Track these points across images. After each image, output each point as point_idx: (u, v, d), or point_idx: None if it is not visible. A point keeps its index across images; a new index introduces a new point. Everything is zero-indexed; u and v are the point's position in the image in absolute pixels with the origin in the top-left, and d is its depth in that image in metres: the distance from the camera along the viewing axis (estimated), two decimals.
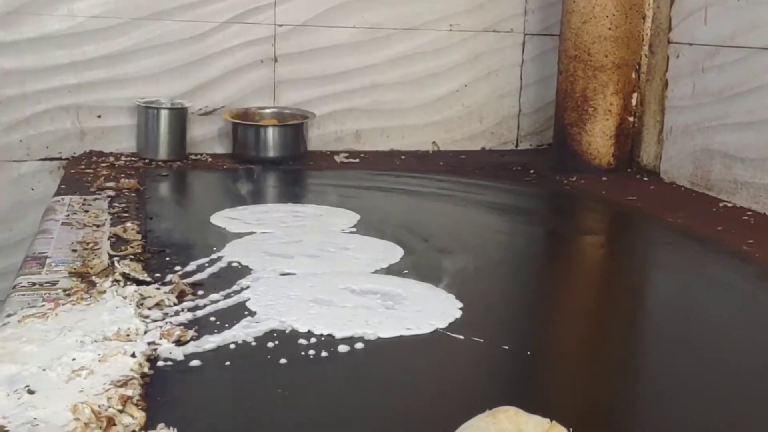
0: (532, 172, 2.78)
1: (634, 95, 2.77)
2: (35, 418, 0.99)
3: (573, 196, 2.52)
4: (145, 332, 1.27)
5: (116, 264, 1.51)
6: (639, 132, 2.81)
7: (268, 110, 2.90)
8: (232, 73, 2.91)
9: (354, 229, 1.96)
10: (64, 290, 1.41)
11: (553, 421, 0.92)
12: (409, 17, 3.04)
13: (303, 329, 1.32)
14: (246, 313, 1.39)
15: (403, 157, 2.97)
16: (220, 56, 2.88)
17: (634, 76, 2.75)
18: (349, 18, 2.98)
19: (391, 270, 1.64)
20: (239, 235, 1.86)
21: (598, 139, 2.76)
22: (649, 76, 2.76)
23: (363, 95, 3.04)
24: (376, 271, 1.62)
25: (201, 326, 1.32)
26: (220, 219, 2.01)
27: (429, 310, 1.42)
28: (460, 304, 1.46)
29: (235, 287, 1.51)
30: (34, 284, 1.43)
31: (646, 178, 2.71)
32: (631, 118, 2.78)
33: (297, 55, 2.95)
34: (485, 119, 3.19)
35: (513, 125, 3.22)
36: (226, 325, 1.33)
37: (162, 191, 2.44)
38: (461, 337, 1.33)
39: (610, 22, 2.69)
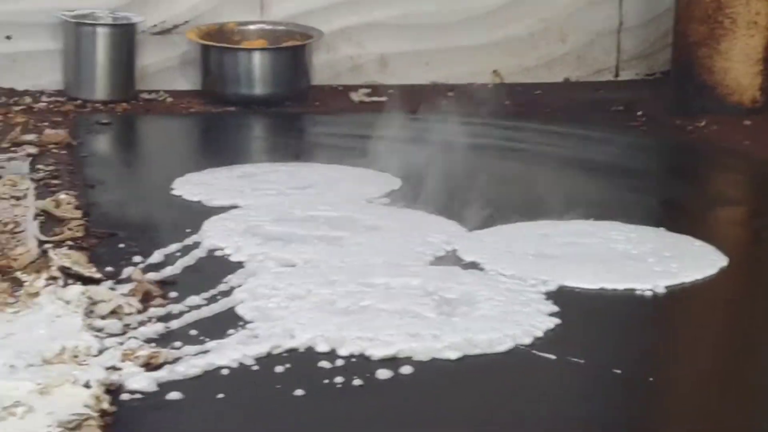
0: (639, 113, 2.77)
1: None
2: None
3: (701, 148, 2.51)
4: (101, 352, 1.28)
5: (50, 254, 1.53)
6: None
7: (253, 27, 2.90)
8: None
9: (386, 200, 1.98)
10: None
11: None
12: None
13: (324, 346, 1.34)
14: (240, 323, 1.41)
15: (450, 93, 2.94)
16: None
17: None
18: None
19: (444, 259, 1.66)
20: (220, 209, 1.88)
21: (739, 64, 2.73)
22: None
23: (390, 4, 3.04)
24: (421, 261, 1.64)
25: (178, 343, 1.34)
26: (190, 186, 2.02)
27: (505, 317, 1.43)
28: (553, 308, 1.48)
29: (222, 286, 1.53)
30: None
31: None
32: None
33: None
34: (570, 37, 3.17)
35: (611, 45, 3.20)
36: (214, 342, 1.35)
37: (103, 146, 2.45)
38: (553, 356, 1.35)
39: None
